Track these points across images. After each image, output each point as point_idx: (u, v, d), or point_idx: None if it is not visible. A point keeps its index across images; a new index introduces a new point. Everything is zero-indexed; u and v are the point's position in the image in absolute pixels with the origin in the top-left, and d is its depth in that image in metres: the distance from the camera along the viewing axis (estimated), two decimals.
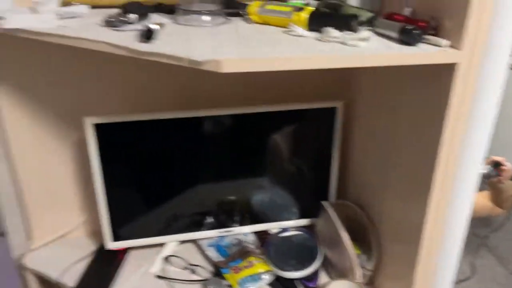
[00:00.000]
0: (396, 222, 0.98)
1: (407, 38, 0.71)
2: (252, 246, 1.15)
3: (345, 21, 0.75)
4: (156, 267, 1.12)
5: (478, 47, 0.71)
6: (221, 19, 0.86)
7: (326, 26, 0.75)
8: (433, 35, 0.73)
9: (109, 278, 1.07)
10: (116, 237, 1.13)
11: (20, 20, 0.79)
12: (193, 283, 1.07)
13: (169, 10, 0.93)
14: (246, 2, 0.97)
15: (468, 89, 0.75)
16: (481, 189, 1.37)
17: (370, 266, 1.05)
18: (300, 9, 0.79)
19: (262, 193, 1.19)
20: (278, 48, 0.69)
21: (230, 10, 0.89)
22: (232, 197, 1.18)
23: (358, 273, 1.02)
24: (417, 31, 0.71)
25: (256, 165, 1.16)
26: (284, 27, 0.82)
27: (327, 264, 1.12)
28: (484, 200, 1.66)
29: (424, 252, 0.89)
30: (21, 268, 1.22)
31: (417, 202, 0.87)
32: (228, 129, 1.10)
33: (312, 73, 1.16)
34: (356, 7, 0.85)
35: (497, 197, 1.62)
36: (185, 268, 1.12)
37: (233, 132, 1.11)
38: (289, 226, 1.21)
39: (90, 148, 1.02)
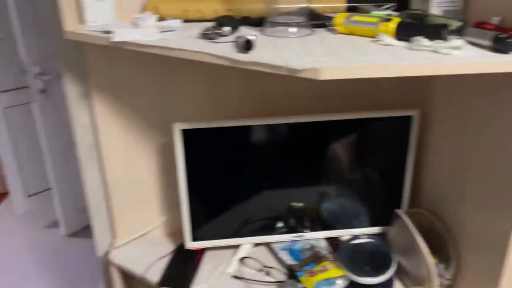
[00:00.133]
0: (477, 232, 0.97)
1: (502, 46, 0.72)
2: (324, 252, 1.17)
3: (436, 31, 0.77)
4: (232, 267, 1.17)
5: None
6: (306, 31, 0.91)
7: (414, 35, 0.78)
8: None
9: (189, 276, 1.12)
10: (195, 238, 1.19)
11: (127, 34, 0.87)
12: (269, 285, 1.11)
13: (255, 23, 0.99)
14: (329, 15, 1.01)
15: None
16: None
17: (448, 275, 1.04)
18: (387, 19, 0.82)
19: (334, 200, 1.21)
20: (372, 56, 0.72)
21: (315, 22, 0.93)
22: (303, 203, 1.21)
23: (436, 282, 1.02)
24: (511, 40, 0.71)
25: (328, 172, 1.18)
26: (371, 37, 0.84)
27: (401, 272, 1.12)
28: None
29: (511, 263, 0.88)
30: (105, 264, 1.31)
31: (504, 215, 0.86)
32: (303, 136, 1.14)
33: (388, 81, 1.18)
34: (443, 17, 0.86)
35: None
36: (260, 270, 1.16)
37: (307, 139, 1.14)
38: (360, 234, 1.22)
39: (177, 152, 1.09)
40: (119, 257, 1.23)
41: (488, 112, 0.91)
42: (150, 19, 0.94)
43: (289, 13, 0.92)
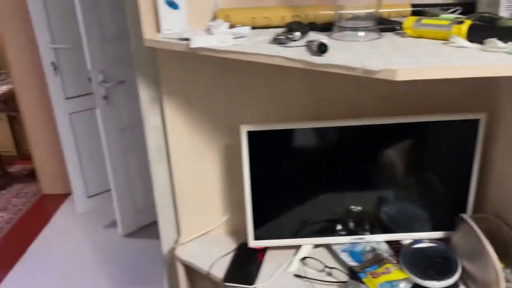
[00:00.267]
0: None
1: None
2: (386, 254, 1.18)
3: (510, 32, 0.77)
4: (294, 267, 1.19)
5: None
6: (374, 35, 0.93)
7: (487, 37, 0.78)
8: None
9: (253, 273, 1.16)
10: (256, 237, 1.23)
11: (204, 40, 0.93)
12: (331, 284, 1.13)
13: (322, 28, 1.02)
14: (394, 19, 1.03)
15: None
16: None
17: None
18: (460, 22, 0.83)
19: (394, 204, 1.22)
20: (447, 57, 0.74)
21: (383, 26, 0.95)
22: (363, 206, 1.22)
23: (503, 286, 1.00)
24: None
25: (389, 176, 1.19)
26: (441, 39, 0.86)
27: (465, 277, 1.11)
28: None
29: None
30: (170, 260, 1.37)
31: None
32: (364, 140, 1.15)
33: (453, 84, 1.17)
34: None
35: None
36: (321, 270, 1.18)
37: (369, 142, 1.16)
38: (422, 238, 1.22)
39: (243, 153, 1.13)
40: (184, 253, 1.29)
41: None
42: (223, 27, 1.00)
43: (356, 18, 0.95)
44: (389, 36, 0.94)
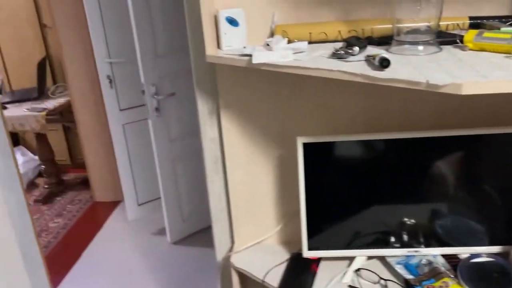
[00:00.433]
0: None
1: None
2: (443, 268, 1.16)
3: None
4: (348, 278, 1.20)
5: None
6: (434, 48, 0.94)
7: None
8: None
9: (307, 283, 1.18)
10: (310, 247, 1.25)
11: (265, 56, 0.97)
12: None
13: (379, 42, 1.04)
14: (452, 32, 1.03)
15: None
16: None
17: None
18: None
19: (451, 217, 1.20)
20: (511, 71, 0.74)
21: (442, 39, 0.96)
22: (417, 219, 1.21)
23: None
24: None
25: (445, 188, 1.18)
26: (503, 52, 0.85)
27: None
28: None
29: None
30: (223, 267, 1.41)
31: None
32: (419, 152, 1.15)
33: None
34: None
35: None
36: (376, 282, 1.18)
37: (424, 155, 1.15)
38: (479, 252, 1.19)
39: (299, 164, 1.16)
40: (239, 261, 1.32)
41: None
42: (282, 42, 1.03)
43: (415, 32, 0.96)
44: (448, 49, 0.94)
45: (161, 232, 2.69)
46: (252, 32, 1.13)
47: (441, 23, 1.07)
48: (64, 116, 3.12)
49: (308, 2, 1.12)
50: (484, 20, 1.06)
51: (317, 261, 1.26)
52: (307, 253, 1.25)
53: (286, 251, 1.35)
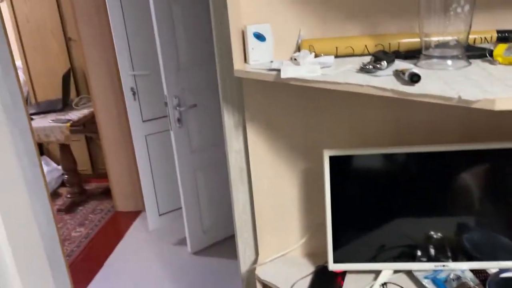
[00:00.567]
0: None
1: None
2: (471, 283, 1.15)
3: None
4: None
5: None
6: (463, 62, 0.94)
7: None
8: None
9: None
10: (335, 260, 1.24)
11: (293, 71, 0.99)
12: None
13: (405, 56, 1.05)
14: (480, 45, 1.03)
15: None
16: None
17: None
18: None
19: (479, 231, 1.19)
20: None
21: (471, 53, 0.96)
22: (444, 232, 1.20)
23: None
24: None
25: (472, 202, 1.17)
26: None
27: None
28: None
29: None
30: (247, 279, 1.41)
31: None
32: (445, 165, 1.15)
33: None
34: None
35: None
36: None
37: (452, 168, 1.15)
38: (509, 267, 1.17)
39: (325, 177, 1.17)
40: (264, 273, 1.33)
41: None
42: (309, 57, 1.05)
43: (443, 45, 0.96)
44: (477, 64, 0.94)
45: (182, 242, 2.71)
46: (278, 46, 1.15)
47: (470, 36, 1.07)
48: (87, 127, 3.18)
49: (334, 16, 1.13)
50: None
51: (343, 274, 1.26)
52: (333, 266, 1.25)
53: (311, 263, 1.34)
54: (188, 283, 2.38)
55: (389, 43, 1.09)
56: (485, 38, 1.07)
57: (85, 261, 2.68)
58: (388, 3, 1.11)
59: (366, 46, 1.10)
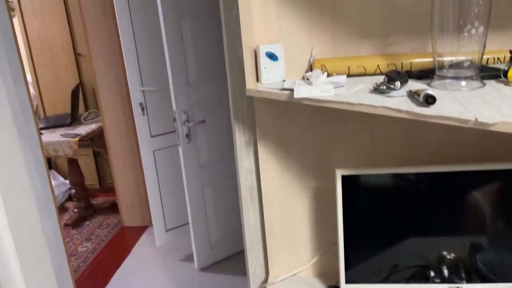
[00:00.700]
0: None
1: None
2: None
3: None
4: None
5: None
6: (477, 83, 0.94)
7: None
8: None
9: None
10: (348, 280, 1.23)
11: (306, 91, 0.99)
12: None
13: (418, 76, 1.05)
14: (496, 66, 1.03)
15: None
16: None
17: None
18: None
19: (493, 252, 1.17)
20: None
21: (485, 74, 0.96)
22: (457, 253, 1.18)
23: None
24: None
25: (487, 222, 1.15)
26: None
27: None
28: None
29: None
30: None
31: None
32: (459, 185, 1.14)
33: None
34: None
35: None
36: None
37: (465, 188, 1.13)
38: None
39: (337, 196, 1.16)
40: None
41: None
42: (322, 77, 1.05)
43: (457, 66, 0.96)
44: (492, 84, 0.94)
45: (189, 258, 2.70)
46: (290, 66, 1.15)
47: (484, 56, 1.07)
48: (94, 141, 3.20)
49: (346, 36, 1.14)
50: None
51: None
52: (344, 286, 1.23)
53: (322, 283, 1.33)
54: None
55: (401, 63, 1.09)
56: (498, 58, 1.07)
57: (92, 277, 2.66)
58: (400, 23, 1.11)
59: (378, 65, 1.10)
